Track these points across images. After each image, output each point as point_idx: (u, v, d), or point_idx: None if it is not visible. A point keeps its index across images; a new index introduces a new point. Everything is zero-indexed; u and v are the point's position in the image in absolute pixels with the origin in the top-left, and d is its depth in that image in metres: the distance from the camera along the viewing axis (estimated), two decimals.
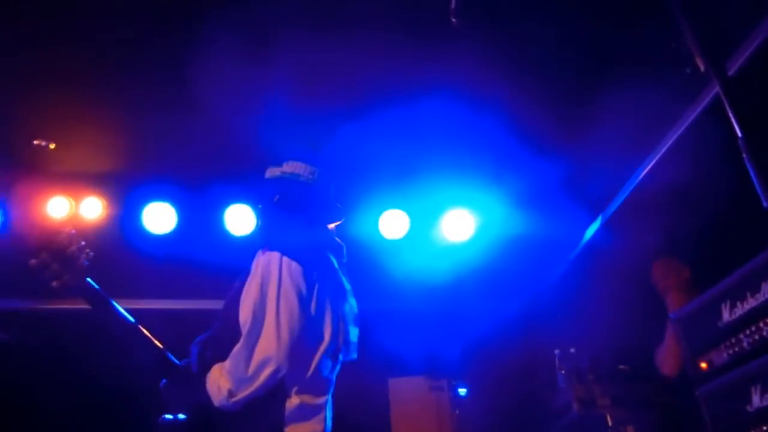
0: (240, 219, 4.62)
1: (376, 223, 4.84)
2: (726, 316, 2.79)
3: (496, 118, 4.05)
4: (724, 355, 2.78)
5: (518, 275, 5.27)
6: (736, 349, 2.71)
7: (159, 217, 4.55)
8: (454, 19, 1.78)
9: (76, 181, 4.46)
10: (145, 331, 2.17)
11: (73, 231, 2.15)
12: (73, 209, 4.46)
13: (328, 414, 2.22)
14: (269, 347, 2.03)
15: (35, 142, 4.19)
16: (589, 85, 3.81)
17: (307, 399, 2.14)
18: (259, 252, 2.22)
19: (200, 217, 4.61)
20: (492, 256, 4.97)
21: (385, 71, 3.71)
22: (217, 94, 3.74)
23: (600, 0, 3.26)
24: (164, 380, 2.19)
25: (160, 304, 4.89)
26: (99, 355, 4.42)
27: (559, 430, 3.97)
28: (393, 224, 4.85)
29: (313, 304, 2.16)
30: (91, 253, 2.17)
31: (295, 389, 2.12)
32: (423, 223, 4.94)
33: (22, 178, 4.35)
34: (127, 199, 4.56)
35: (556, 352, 3.99)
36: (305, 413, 2.14)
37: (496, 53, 3.59)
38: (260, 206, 2.43)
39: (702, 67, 1.21)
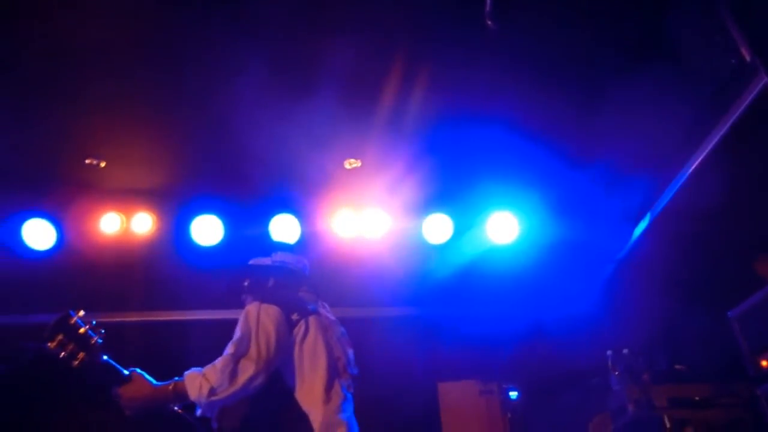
0: (286, 229, 4.67)
1: (420, 227, 4.85)
2: None
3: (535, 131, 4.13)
4: None
5: (567, 277, 5.20)
6: None
7: (207, 230, 4.64)
8: (489, 22, 1.77)
9: (126, 197, 4.58)
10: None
11: (82, 312, 2.42)
12: (124, 225, 4.59)
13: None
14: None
15: (87, 161, 4.37)
16: (625, 91, 3.74)
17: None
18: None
19: (247, 227, 4.68)
20: (538, 258, 4.91)
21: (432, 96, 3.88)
22: (256, 111, 3.82)
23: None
24: None
25: (211, 315, 4.98)
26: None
27: None
28: (437, 228, 4.84)
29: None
30: (103, 331, 2.43)
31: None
32: (466, 226, 4.91)
33: (76, 196, 4.50)
34: (176, 213, 4.67)
35: (609, 353, 3.91)
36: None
37: (534, 63, 3.56)
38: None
39: (748, 58, 1.18)
